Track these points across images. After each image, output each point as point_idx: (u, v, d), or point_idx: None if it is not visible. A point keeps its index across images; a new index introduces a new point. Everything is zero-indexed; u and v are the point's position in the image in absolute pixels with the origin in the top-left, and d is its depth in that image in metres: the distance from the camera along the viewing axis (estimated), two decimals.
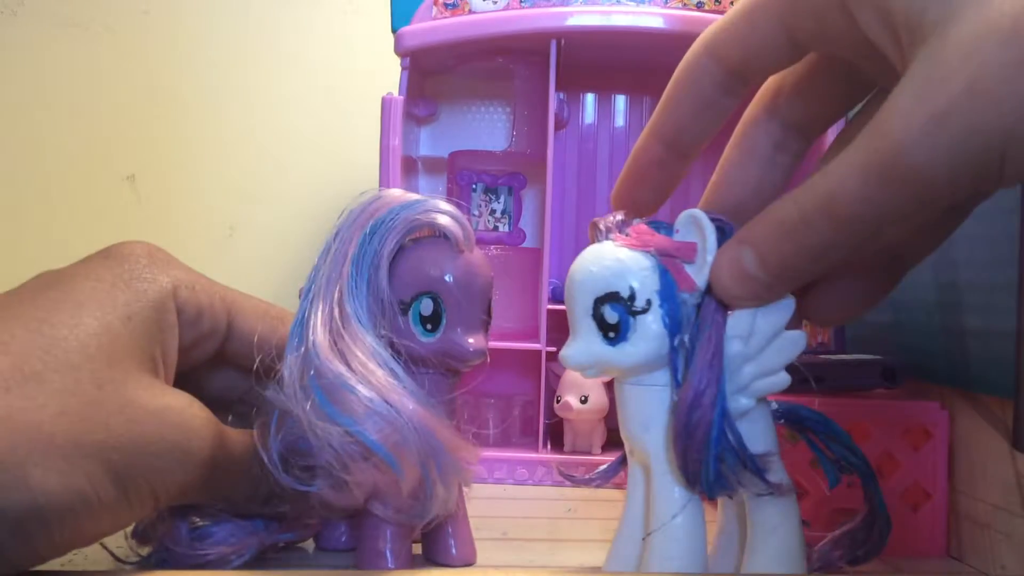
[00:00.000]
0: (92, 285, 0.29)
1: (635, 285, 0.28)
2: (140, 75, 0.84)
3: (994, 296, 0.37)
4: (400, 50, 0.55)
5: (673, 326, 0.28)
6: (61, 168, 0.84)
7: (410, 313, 0.33)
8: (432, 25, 0.55)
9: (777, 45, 0.27)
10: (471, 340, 0.33)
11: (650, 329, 0.28)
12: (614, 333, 0.29)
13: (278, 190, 0.84)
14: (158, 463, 0.28)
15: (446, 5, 0.55)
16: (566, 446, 0.56)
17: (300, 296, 0.32)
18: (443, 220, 0.32)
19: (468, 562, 0.35)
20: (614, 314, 0.29)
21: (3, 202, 0.84)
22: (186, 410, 0.29)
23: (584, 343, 0.29)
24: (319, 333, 0.30)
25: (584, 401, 0.53)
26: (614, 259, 0.29)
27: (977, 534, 0.38)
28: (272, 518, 0.34)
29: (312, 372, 0.30)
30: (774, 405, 0.31)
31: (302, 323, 0.31)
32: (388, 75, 0.58)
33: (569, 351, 0.30)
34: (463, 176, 0.63)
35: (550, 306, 0.55)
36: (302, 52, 0.84)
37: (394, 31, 0.57)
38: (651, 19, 0.53)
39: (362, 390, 0.29)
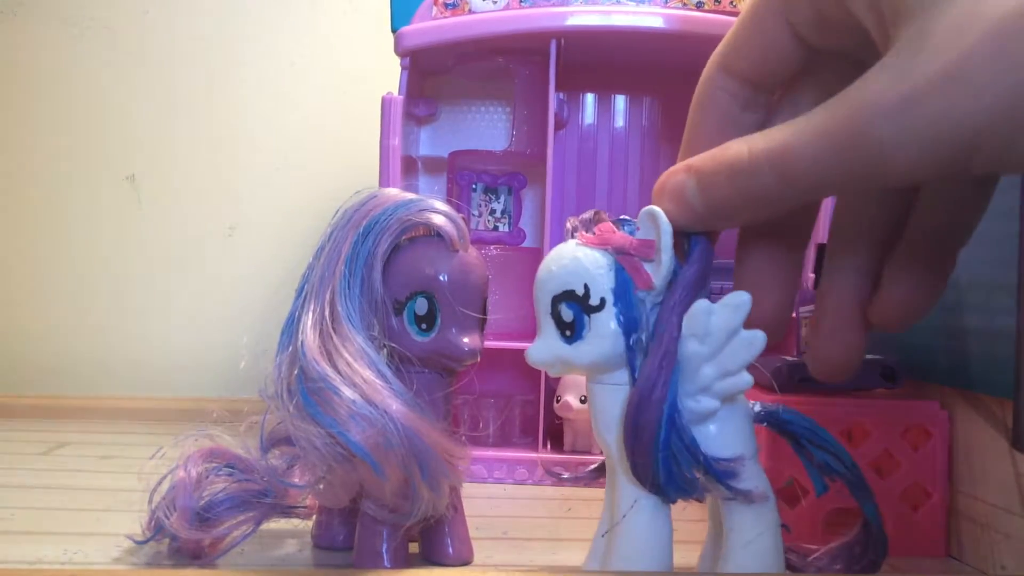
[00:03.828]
0: None
1: (589, 283, 0.28)
2: (140, 75, 0.84)
3: (994, 296, 0.37)
4: (400, 50, 0.55)
5: (628, 324, 0.28)
6: (61, 168, 0.84)
7: (404, 312, 0.33)
8: (432, 25, 0.55)
9: (784, 45, 0.27)
10: (466, 339, 0.33)
11: (605, 327, 0.28)
12: (570, 331, 0.29)
13: (278, 190, 0.84)
14: None
15: (446, 5, 0.55)
16: (566, 446, 0.56)
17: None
18: (438, 219, 0.32)
19: (465, 561, 0.35)
20: (569, 312, 0.29)
21: (3, 202, 0.84)
22: None
23: (545, 341, 0.30)
24: (308, 333, 0.30)
25: (584, 401, 0.53)
26: (571, 258, 0.29)
27: (977, 534, 0.38)
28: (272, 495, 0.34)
29: (298, 372, 0.30)
30: (756, 407, 0.30)
31: (292, 322, 0.31)
32: (388, 75, 0.58)
33: (532, 349, 0.30)
34: (463, 176, 0.63)
35: None
36: (302, 52, 0.84)
37: (394, 31, 0.57)
38: (651, 19, 0.53)
39: (346, 392, 0.29)
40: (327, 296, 0.31)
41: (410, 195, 0.33)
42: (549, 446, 0.56)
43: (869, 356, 0.43)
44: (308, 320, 0.30)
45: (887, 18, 0.23)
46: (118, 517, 0.41)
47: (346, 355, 0.30)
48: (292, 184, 0.83)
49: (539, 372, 0.56)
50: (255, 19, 0.84)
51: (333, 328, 0.30)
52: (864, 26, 0.24)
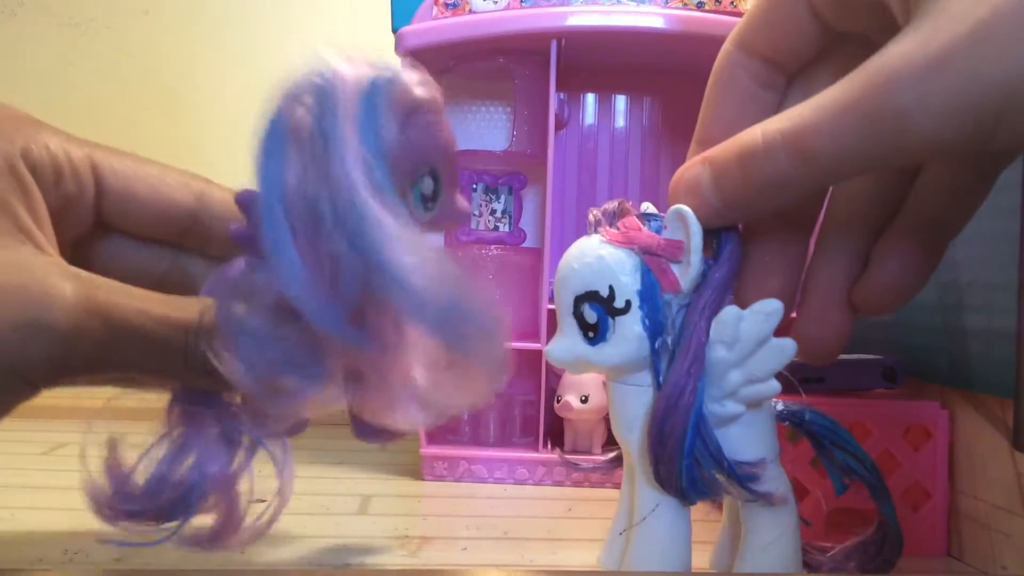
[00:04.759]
0: None
1: (615, 285, 0.28)
2: (140, 75, 0.84)
3: (994, 296, 0.37)
4: (400, 50, 0.55)
5: (654, 328, 0.28)
6: None
7: (411, 194, 0.30)
8: (432, 25, 0.55)
9: (802, 25, 0.27)
10: (461, 201, 0.31)
11: (630, 330, 0.28)
12: (593, 333, 0.28)
13: None
14: (10, 339, 0.25)
15: (446, 5, 0.55)
16: (566, 446, 0.56)
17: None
18: (420, 90, 0.30)
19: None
20: (593, 314, 0.28)
21: None
22: (42, 279, 0.26)
23: (566, 341, 0.29)
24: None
25: (584, 401, 0.53)
26: (595, 257, 0.28)
27: (977, 534, 0.38)
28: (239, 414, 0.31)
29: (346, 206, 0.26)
30: (779, 406, 0.30)
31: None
32: None
33: (552, 347, 0.29)
34: (463, 176, 0.62)
35: (550, 306, 0.55)
36: (302, 52, 0.84)
37: (394, 31, 0.57)
38: (651, 19, 0.53)
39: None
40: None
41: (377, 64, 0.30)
42: (550, 446, 0.56)
43: (869, 356, 0.43)
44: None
45: None
46: None
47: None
48: None
49: (539, 372, 0.56)
50: (255, 19, 0.84)
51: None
52: (885, 5, 0.24)
